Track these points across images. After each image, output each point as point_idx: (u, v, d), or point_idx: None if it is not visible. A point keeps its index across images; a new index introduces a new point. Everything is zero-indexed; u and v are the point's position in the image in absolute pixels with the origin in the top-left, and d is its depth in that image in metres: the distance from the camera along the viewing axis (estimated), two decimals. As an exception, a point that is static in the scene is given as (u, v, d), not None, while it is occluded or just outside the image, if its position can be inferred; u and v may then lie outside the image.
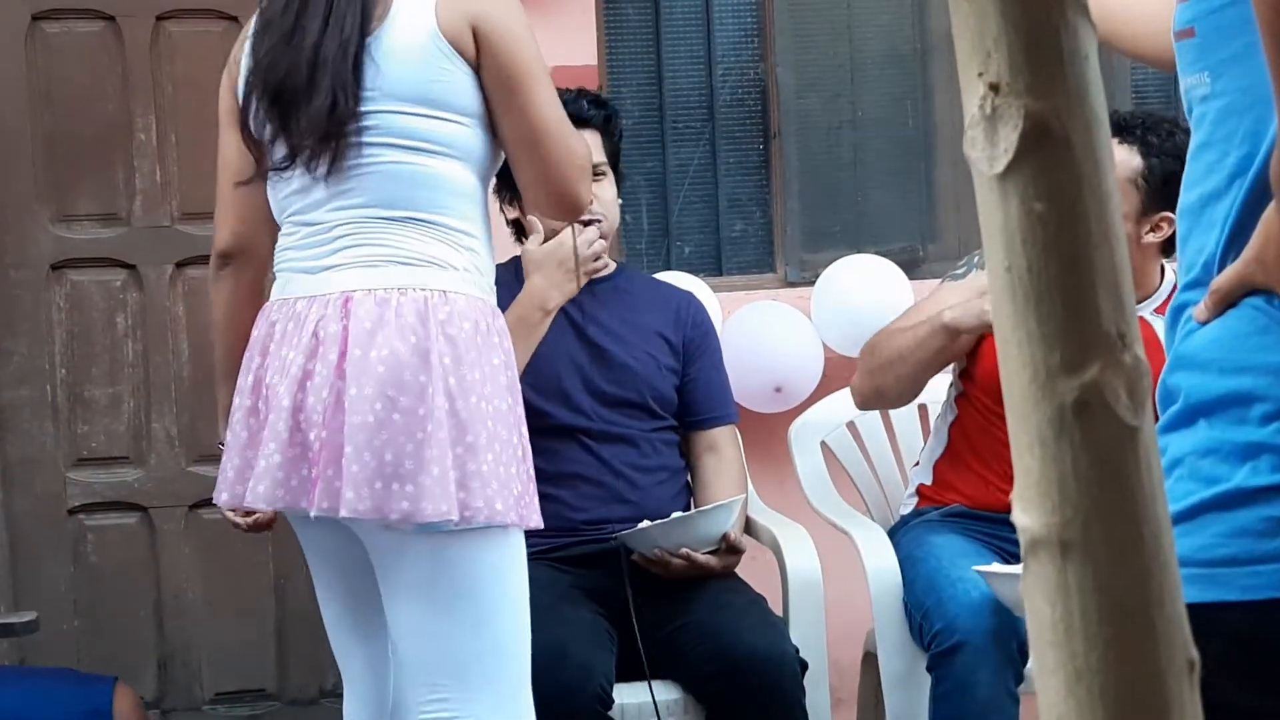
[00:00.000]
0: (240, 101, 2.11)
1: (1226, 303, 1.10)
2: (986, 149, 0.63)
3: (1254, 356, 1.09)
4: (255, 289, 2.20)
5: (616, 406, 2.73)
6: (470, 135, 2.04)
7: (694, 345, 2.87)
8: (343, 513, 1.93)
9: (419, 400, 1.93)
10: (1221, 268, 1.12)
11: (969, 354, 2.85)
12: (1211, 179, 1.13)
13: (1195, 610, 0.62)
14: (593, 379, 2.74)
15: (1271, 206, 1.06)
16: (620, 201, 2.89)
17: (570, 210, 2.14)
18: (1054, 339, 0.61)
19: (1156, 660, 0.60)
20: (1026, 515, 0.61)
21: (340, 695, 3.44)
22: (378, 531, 1.99)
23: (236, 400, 2.07)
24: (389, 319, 1.96)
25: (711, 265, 3.62)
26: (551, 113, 2.05)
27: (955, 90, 3.65)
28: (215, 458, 3.39)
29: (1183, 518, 1.12)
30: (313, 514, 1.96)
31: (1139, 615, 0.60)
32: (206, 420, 3.38)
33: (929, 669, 2.59)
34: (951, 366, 2.92)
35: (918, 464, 2.98)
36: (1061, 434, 0.61)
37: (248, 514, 2.34)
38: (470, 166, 2.05)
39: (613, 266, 2.85)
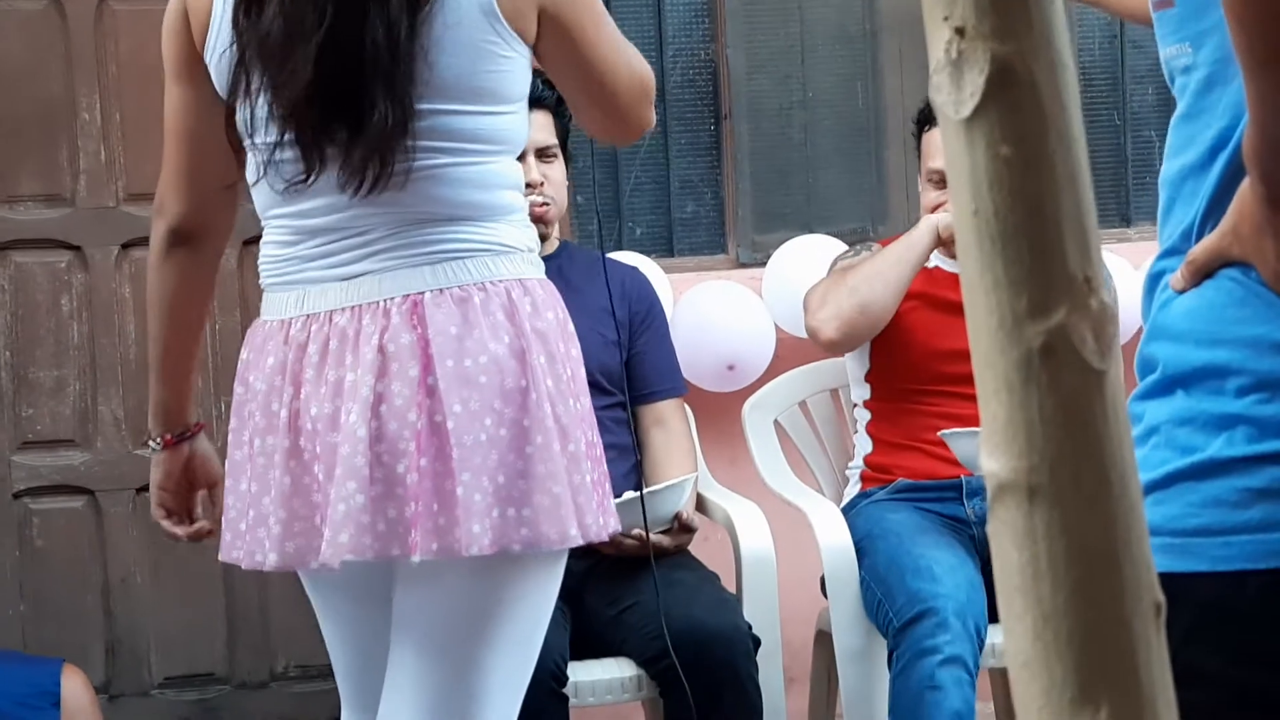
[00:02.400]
0: (226, 78, 1.77)
1: (1202, 274, 1.11)
2: (952, 93, 0.62)
3: (1231, 329, 1.10)
4: (212, 269, 1.93)
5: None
6: (518, 121, 1.79)
7: (639, 319, 2.88)
8: (470, 551, 1.66)
9: (523, 410, 1.69)
10: (1199, 237, 1.12)
11: (873, 352, 2.97)
12: (1193, 150, 1.14)
13: (1166, 579, 0.62)
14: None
15: (1246, 181, 1.06)
16: (570, 182, 2.89)
17: (636, 135, 1.89)
18: (1021, 283, 0.61)
19: (1123, 603, 0.60)
20: (993, 460, 0.61)
21: (291, 678, 3.43)
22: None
23: (257, 443, 1.76)
24: (475, 320, 1.70)
25: (663, 246, 3.62)
26: (615, 55, 1.80)
27: (905, 72, 3.69)
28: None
29: (1157, 486, 1.12)
30: (416, 559, 1.67)
31: (1106, 558, 0.60)
32: (154, 403, 3.35)
33: (891, 648, 2.59)
34: (851, 379, 3.03)
35: (852, 461, 3.02)
36: (1028, 379, 0.61)
37: (186, 519, 2.00)
38: (516, 151, 1.81)
39: (556, 244, 2.85)
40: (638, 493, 2.71)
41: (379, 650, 1.83)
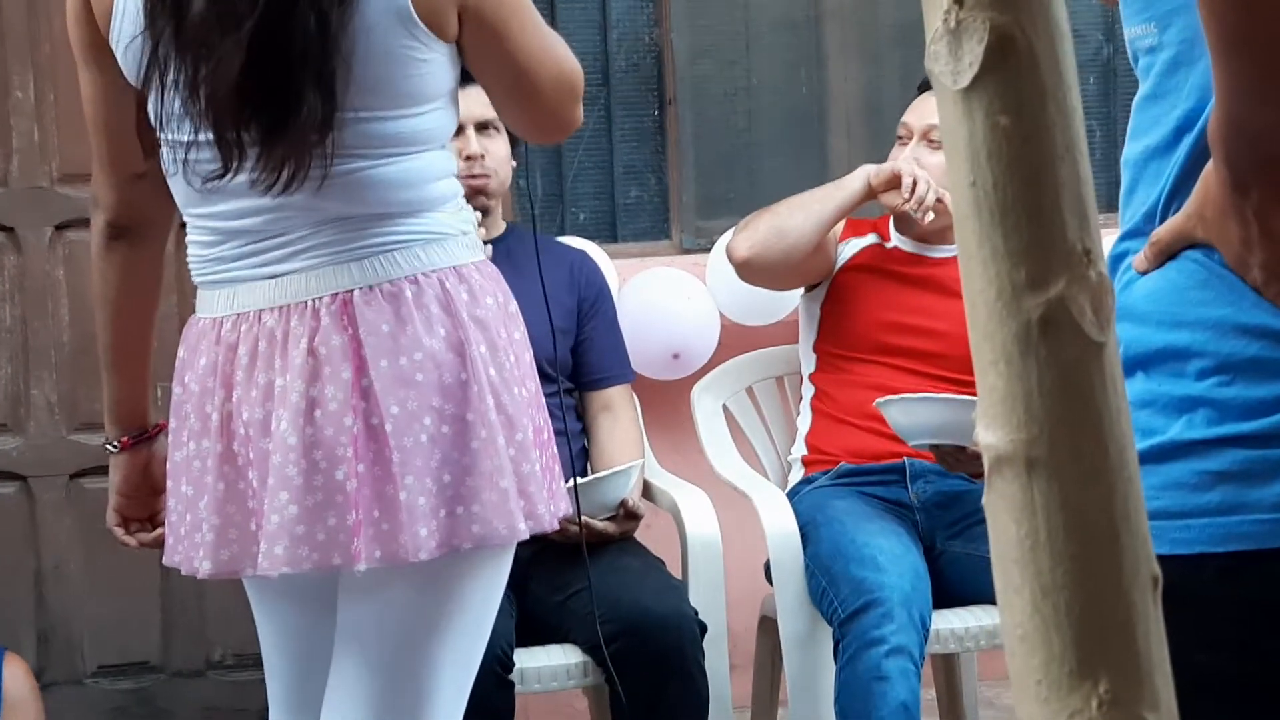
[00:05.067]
0: (137, 67, 1.69)
1: (1166, 255, 1.11)
2: (950, 63, 0.62)
3: (1192, 311, 1.10)
4: (157, 260, 1.85)
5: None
6: (441, 116, 1.73)
7: (588, 305, 2.87)
8: (418, 556, 1.62)
9: (464, 404, 1.65)
10: (1163, 219, 1.12)
11: (821, 320, 2.98)
12: (1157, 131, 1.13)
13: None
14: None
15: (1210, 164, 1.07)
16: (515, 163, 2.87)
17: (561, 134, 1.84)
18: (1019, 255, 0.61)
19: (1121, 574, 0.60)
20: (991, 433, 0.61)
21: (227, 667, 3.39)
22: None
23: (193, 445, 1.71)
24: (408, 315, 1.65)
25: (607, 232, 3.60)
26: (541, 53, 1.73)
27: (848, 59, 3.70)
28: (97, 426, 3.34)
29: None
30: (360, 569, 1.63)
31: (1104, 530, 0.60)
32: (88, 387, 3.29)
33: (836, 639, 2.59)
34: (801, 352, 3.02)
35: (794, 444, 3.03)
36: (1027, 350, 0.60)
37: (146, 525, 1.94)
38: (442, 143, 1.75)
39: (503, 227, 2.83)
40: (579, 479, 2.70)
41: (320, 655, 1.80)
